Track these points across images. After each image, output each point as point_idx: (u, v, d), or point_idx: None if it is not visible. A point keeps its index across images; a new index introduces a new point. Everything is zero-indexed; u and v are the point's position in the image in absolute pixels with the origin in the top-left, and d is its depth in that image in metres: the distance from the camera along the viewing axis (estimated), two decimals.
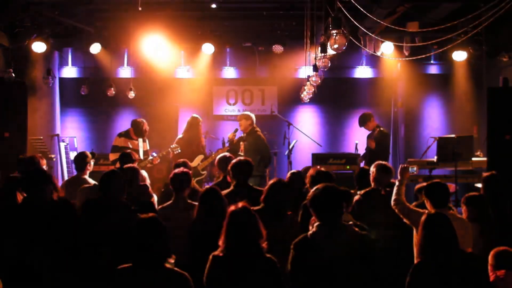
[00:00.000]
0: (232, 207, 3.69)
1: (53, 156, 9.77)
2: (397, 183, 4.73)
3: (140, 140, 8.38)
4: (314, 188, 3.77)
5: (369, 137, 8.98)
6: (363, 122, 9.13)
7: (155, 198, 5.92)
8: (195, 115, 8.97)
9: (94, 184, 5.79)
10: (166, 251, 3.25)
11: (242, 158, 5.67)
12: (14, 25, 7.50)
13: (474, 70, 10.00)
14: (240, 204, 3.69)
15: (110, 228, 4.08)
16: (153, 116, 10.40)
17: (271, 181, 4.76)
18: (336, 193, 3.72)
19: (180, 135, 8.82)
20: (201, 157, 8.53)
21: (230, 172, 5.50)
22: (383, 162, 5.48)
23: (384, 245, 4.53)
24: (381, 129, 8.98)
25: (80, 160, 6.31)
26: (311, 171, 5.38)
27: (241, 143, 8.40)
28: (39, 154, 6.60)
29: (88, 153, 6.44)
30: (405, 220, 4.59)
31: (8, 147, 8.04)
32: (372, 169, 5.43)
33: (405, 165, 4.87)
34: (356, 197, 5.11)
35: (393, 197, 4.66)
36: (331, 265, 3.55)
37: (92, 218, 4.17)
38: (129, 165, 5.85)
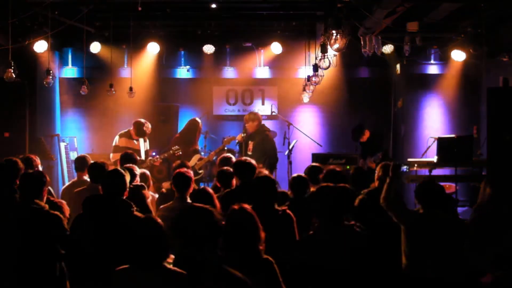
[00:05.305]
0: (234, 207, 3.66)
1: (53, 156, 9.76)
2: (388, 180, 4.69)
3: (141, 140, 8.39)
4: (317, 188, 3.77)
5: (369, 155, 8.69)
6: (359, 135, 8.86)
7: (154, 198, 5.91)
8: (197, 118, 9.09)
9: (90, 184, 5.77)
10: (164, 251, 3.25)
11: (243, 159, 5.66)
12: (14, 25, 7.49)
13: (474, 70, 10.00)
14: (241, 205, 3.65)
15: (110, 226, 4.07)
16: (153, 116, 10.40)
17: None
18: (339, 194, 3.72)
19: (177, 134, 8.93)
20: (198, 156, 8.57)
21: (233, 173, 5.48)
22: (389, 162, 5.49)
23: (387, 245, 4.52)
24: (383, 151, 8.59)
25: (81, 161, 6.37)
26: (325, 171, 5.37)
27: (249, 142, 8.35)
28: (33, 155, 6.58)
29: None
30: (393, 218, 4.57)
31: (8, 147, 8.04)
32: (378, 168, 5.44)
33: (397, 163, 4.84)
34: (360, 196, 5.11)
35: (383, 194, 4.62)
36: (331, 265, 3.56)
37: (92, 216, 4.16)
38: (128, 165, 5.83)
